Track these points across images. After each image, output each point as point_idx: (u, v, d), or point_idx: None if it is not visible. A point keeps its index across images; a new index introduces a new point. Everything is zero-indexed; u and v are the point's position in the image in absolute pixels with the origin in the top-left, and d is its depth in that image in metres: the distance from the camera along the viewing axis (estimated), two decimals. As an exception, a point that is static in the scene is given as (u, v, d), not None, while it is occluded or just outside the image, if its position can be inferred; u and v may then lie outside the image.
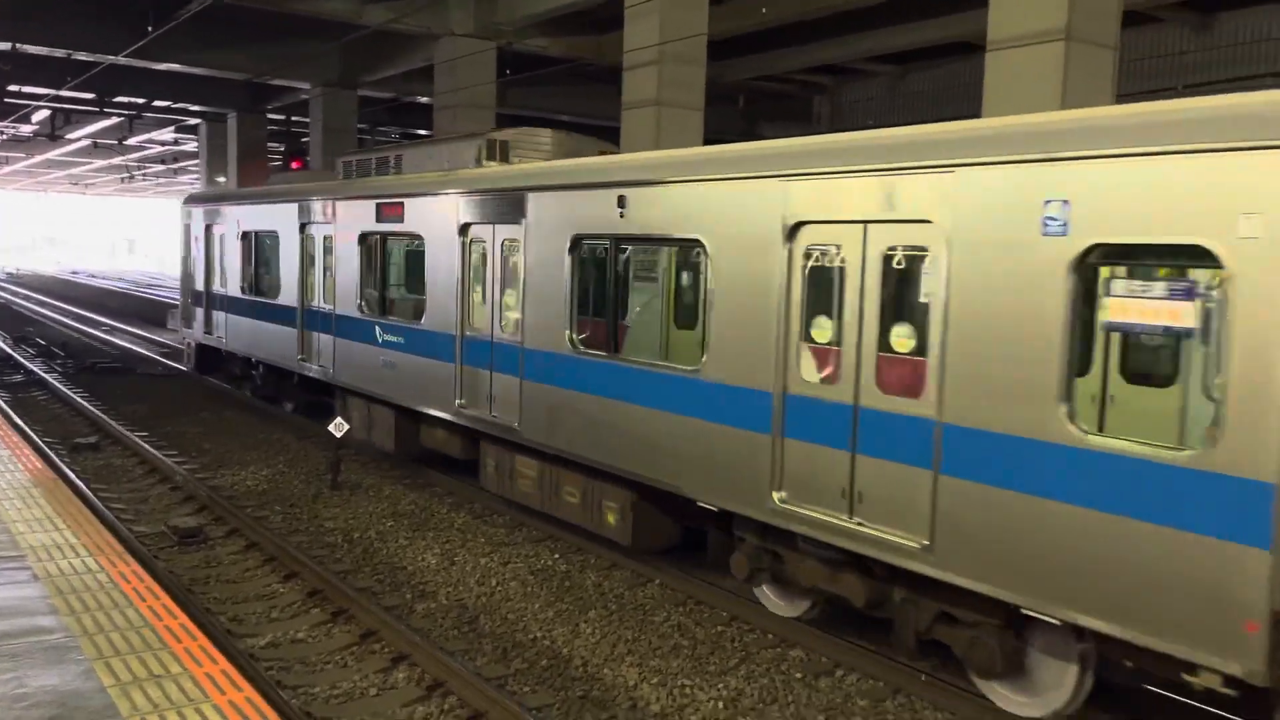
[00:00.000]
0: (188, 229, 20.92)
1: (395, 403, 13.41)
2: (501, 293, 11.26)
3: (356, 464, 14.74)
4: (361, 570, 10.32)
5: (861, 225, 7.33)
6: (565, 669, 8.03)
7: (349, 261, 14.29)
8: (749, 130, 30.87)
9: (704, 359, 8.59)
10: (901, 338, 7.22)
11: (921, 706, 7.51)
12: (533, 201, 10.59)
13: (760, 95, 30.68)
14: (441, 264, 12.15)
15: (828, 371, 7.65)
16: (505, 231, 11.12)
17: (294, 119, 35.31)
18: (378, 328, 13.58)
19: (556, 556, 10.79)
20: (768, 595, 9.06)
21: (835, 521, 7.49)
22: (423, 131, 35.98)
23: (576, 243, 10.06)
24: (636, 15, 17.87)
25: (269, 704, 5.29)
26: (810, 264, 7.74)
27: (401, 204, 12.97)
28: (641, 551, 10.13)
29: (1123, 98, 11.63)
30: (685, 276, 11.02)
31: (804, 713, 7.39)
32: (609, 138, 15.23)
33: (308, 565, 9.92)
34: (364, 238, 13.94)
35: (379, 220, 13.51)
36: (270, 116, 35.43)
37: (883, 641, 8.34)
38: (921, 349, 7.04)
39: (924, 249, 6.97)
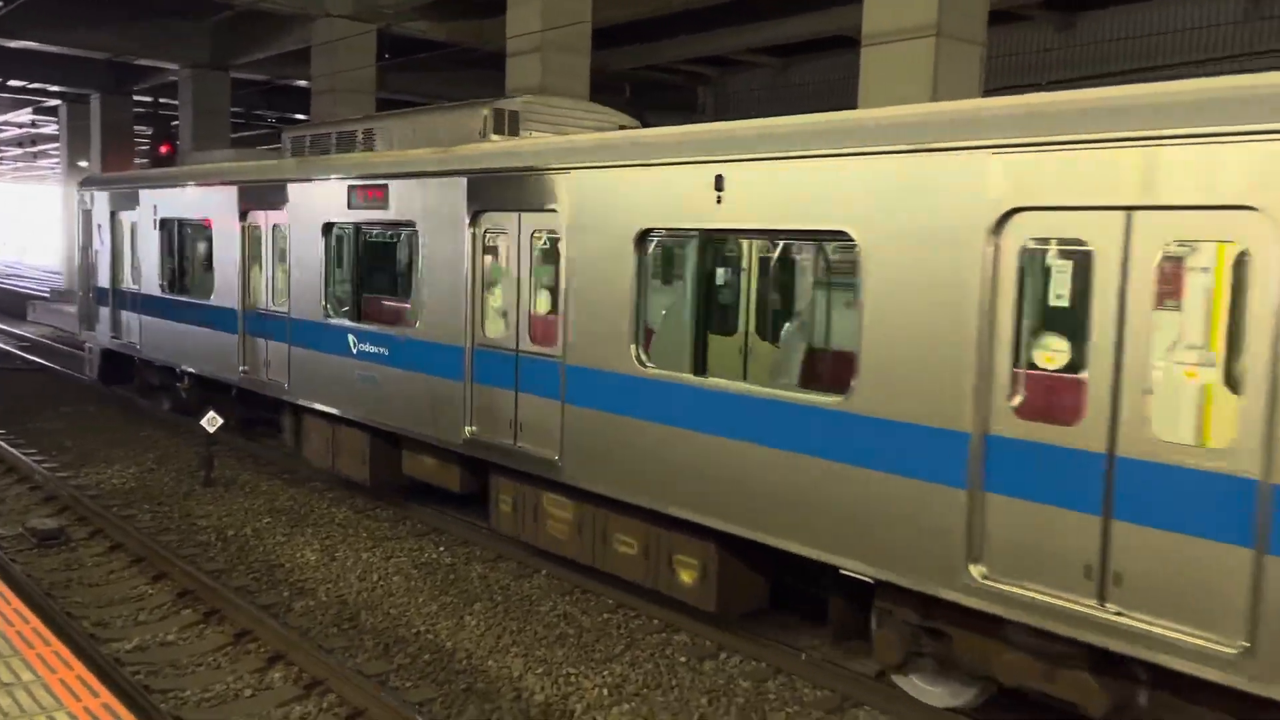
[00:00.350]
0: (87, 215, 18.06)
1: (372, 425, 11.24)
2: (532, 296, 9.17)
3: (231, 459, 14.25)
4: (236, 569, 9.99)
5: (1123, 212, 5.47)
6: (449, 662, 7.93)
7: (309, 255, 11.96)
8: (636, 119, 30.96)
9: (854, 385, 6.66)
10: (1193, 368, 5.40)
11: (802, 685, 7.68)
12: (577, 184, 8.49)
13: (646, 85, 30.78)
14: (443, 259, 9.98)
15: (1062, 408, 5.84)
16: (535, 221, 9.02)
17: (162, 101, 33.84)
18: (351, 336, 11.29)
19: (441, 549, 10.65)
20: (916, 683, 7.21)
21: (1075, 608, 5.65)
22: (300, 116, 34.94)
23: (645, 236, 8.04)
24: (519, 1, 17.70)
25: (129, 709, 5.08)
26: (1031, 263, 5.91)
27: (384, 186, 10.67)
28: (727, 616, 8.31)
29: (989, 93, 12.09)
30: (819, 280, 8.94)
31: (688, 695, 7.47)
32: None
33: (178, 565, 9.55)
34: (330, 228, 11.68)
35: (352, 206, 11.19)
36: (136, 98, 33.89)
37: (767, 624, 8.50)
38: (1234, 385, 5.25)
39: (1238, 244, 5.15)
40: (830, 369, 8.43)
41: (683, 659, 8.09)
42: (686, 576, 8.13)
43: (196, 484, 12.94)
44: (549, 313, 9.05)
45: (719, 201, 7.36)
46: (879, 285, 6.50)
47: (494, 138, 10.09)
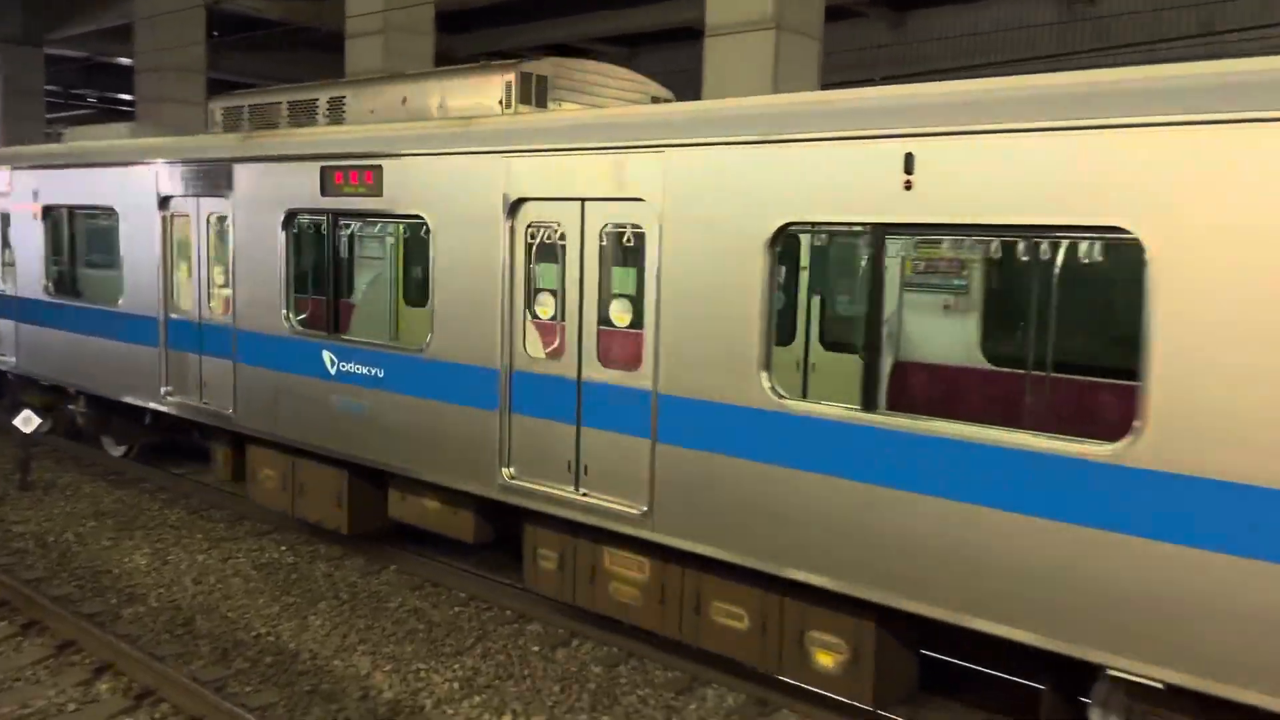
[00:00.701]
0: None
1: (354, 460, 9.28)
2: (601, 307, 7.45)
3: (51, 460, 13.38)
4: (57, 576, 9.39)
5: None
6: (292, 665, 7.68)
7: (263, 253, 9.78)
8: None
9: (1138, 428, 5.09)
10: None
11: (653, 668, 7.78)
12: (676, 166, 6.77)
13: (493, 71, 30.46)
14: (466, 261, 8.12)
15: None
16: (609, 213, 7.27)
17: (-33, 77, 31.38)
18: (327, 354, 9.28)
19: (284, 549, 10.29)
20: None
21: None
22: (125, 96, 33.00)
23: (783, 233, 6.35)
24: (360, -19, 17.19)
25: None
26: None
27: (377, 168, 8.77)
28: (881, 708, 6.80)
29: (827, 87, 12.48)
30: (1075, 293, 7.09)
31: (540, 684, 7.47)
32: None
33: (-9, 576, 8.92)
34: (294, 219, 9.59)
35: (328, 193, 9.15)
36: (-63, 73, 31.29)
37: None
38: None
39: None
40: (1080, 405, 6.89)
41: (535, 648, 8.08)
42: (827, 659, 6.68)
43: (11, 488, 12.08)
44: (628, 329, 7.37)
45: (908, 187, 5.76)
46: (1181, 298, 4.95)
47: (520, 109, 8.32)
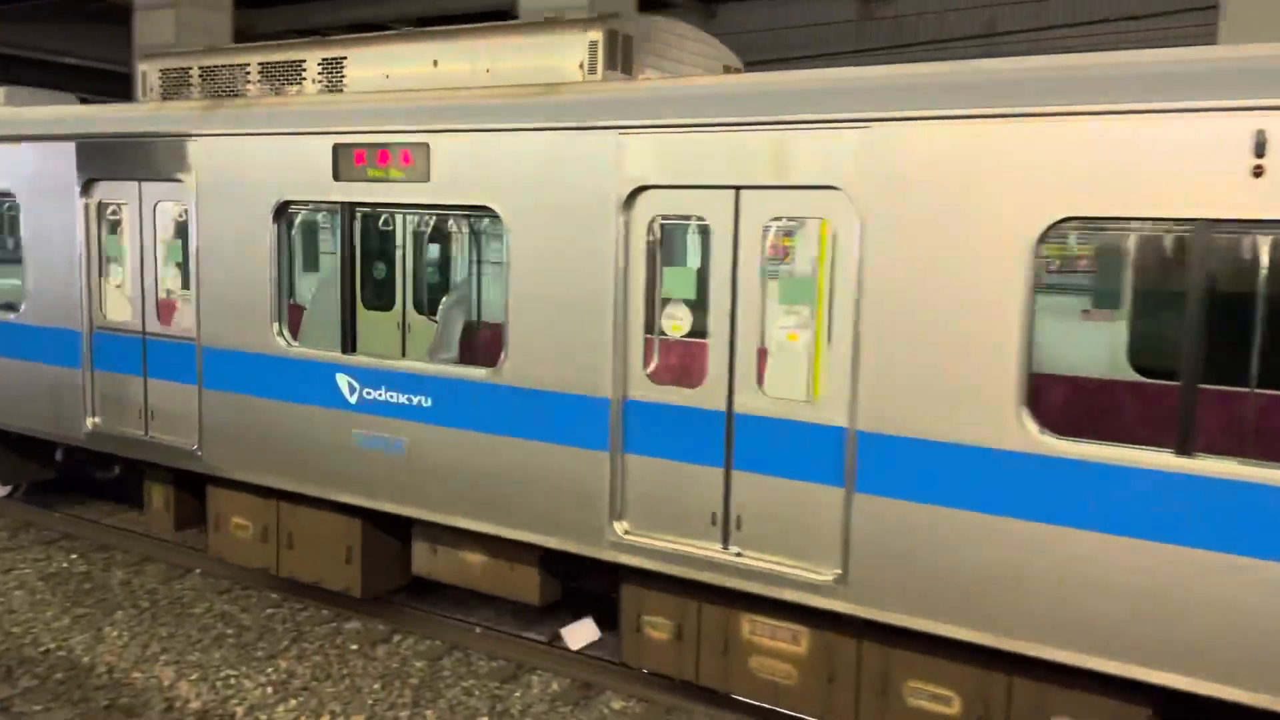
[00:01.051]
0: None
1: (379, 508, 7.63)
2: (760, 321, 6.06)
3: None
4: None
5: None
6: (87, 679, 7.21)
7: (243, 253, 7.96)
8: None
9: None
10: None
11: (477, 658, 7.74)
12: (888, 143, 5.42)
13: (298, 51, 29.29)
14: (561, 265, 6.57)
15: None
16: (780, 202, 5.86)
17: None
18: (345, 378, 7.60)
19: (74, 556, 9.61)
20: None
21: None
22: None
23: (1052, 231, 5.14)
24: (148, -50, 16.15)
25: None
26: None
27: (423, 146, 7.04)
28: None
29: (641, 75, 12.67)
30: None
31: (360, 683, 7.29)
32: (121, 87, 13.61)
33: None
34: (287, 210, 7.83)
35: (344, 177, 7.41)
36: None
37: (440, 599, 8.49)
38: None
39: None
40: None
41: (354, 646, 7.88)
42: None
43: None
44: (799, 346, 6.29)
45: (1257, 174, 4.60)
46: None
47: (606, 75, 6.88)
